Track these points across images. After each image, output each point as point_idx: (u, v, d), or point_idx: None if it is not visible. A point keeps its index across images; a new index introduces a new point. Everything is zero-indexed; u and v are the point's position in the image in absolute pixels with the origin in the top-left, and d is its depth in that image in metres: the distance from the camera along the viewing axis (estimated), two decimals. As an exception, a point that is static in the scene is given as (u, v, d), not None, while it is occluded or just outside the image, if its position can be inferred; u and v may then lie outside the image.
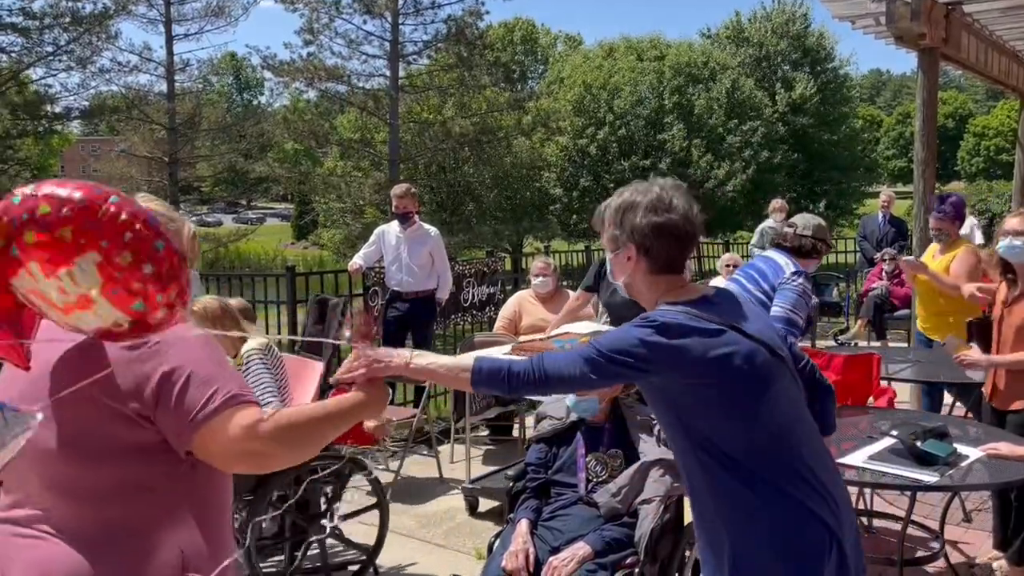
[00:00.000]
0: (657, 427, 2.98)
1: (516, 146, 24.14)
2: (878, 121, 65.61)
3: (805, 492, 1.81)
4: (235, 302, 4.85)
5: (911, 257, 5.48)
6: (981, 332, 4.15)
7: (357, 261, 6.46)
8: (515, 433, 6.16)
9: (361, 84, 22.19)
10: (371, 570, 3.94)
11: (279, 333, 6.32)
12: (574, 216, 27.56)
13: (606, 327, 4.84)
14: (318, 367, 4.05)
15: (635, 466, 2.87)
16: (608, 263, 1.99)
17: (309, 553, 3.84)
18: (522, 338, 4.76)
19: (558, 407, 3.19)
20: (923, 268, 5.17)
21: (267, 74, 24.28)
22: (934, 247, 5.49)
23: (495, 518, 4.54)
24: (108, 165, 26.26)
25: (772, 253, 3.85)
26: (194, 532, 1.61)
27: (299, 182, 24.61)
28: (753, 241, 9.94)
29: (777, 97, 30.23)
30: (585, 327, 4.98)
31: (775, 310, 3.67)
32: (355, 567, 4.00)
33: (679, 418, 1.88)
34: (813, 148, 31.02)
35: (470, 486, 4.83)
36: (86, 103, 19.70)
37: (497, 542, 2.96)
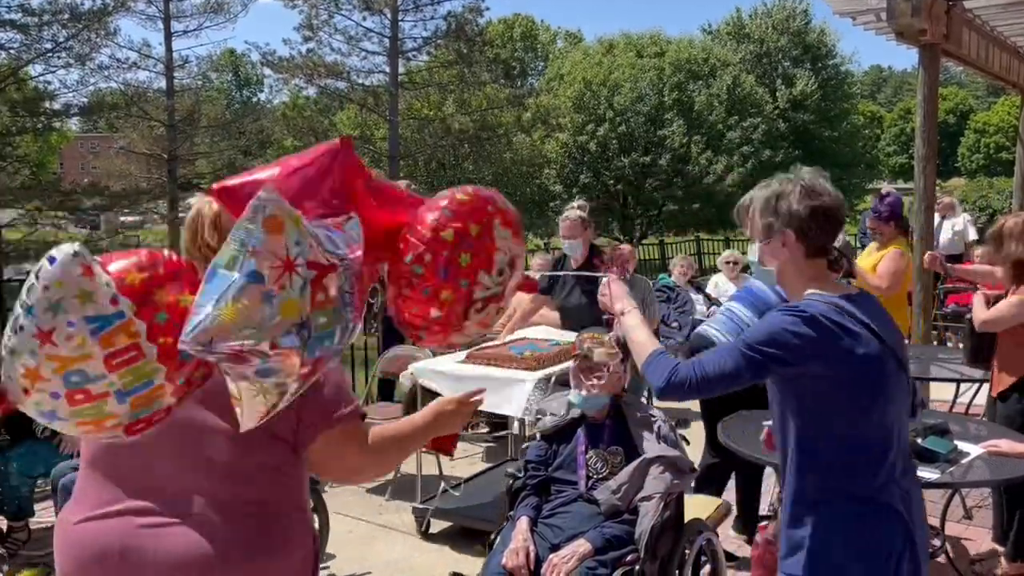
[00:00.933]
0: (657, 424, 2.98)
1: (516, 143, 24.14)
2: (879, 117, 65.53)
3: (893, 493, 1.94)
4: None
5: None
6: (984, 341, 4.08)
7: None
8: (515, 430, 6.15)
9: (360, 81, 22.18)
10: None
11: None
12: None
13: (563, 332, 4.66)
14: None
15: (635, 463, 2.86)
16: (757, 252, 2.06)
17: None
18: (475, 348, 4.53)
19: (558, 403, 3.18)
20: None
21: (266, 71, 24.27)
22: (872, 245, 5.66)
23: (447, 540, 4.32)
24: (107, 162, 26.23)
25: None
26: (309, 511, 1.77)
27: (299, 179, 24.59)
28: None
29: (778, 94, 30.26)
30: (542, 332, 4.85)
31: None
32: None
33: (799, 406, 1.98)
34: (814, 145, 31.03)
35: (420, 506, 4.43)
36: (85, 100, 19.65)
37: (497, 540, 2.94)
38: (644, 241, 25.89)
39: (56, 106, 18.51)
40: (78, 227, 24.84)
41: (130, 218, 24.40)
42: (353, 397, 1.72)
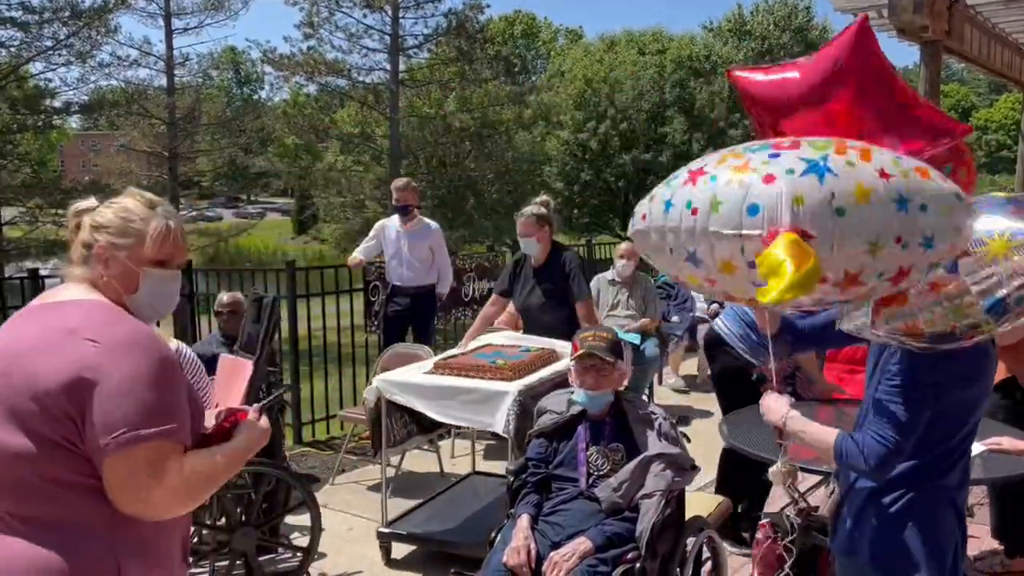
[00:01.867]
0: (658, 421, 2.97)
1: (517, 140, 24.09)
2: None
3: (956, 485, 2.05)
4: (226, 297, 4.84)
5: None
6: None
7: (357, 255, 6.44)
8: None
9: (361, 78, 22.13)
10: (305, 574, 3.86)
11: (280, 326, 6.28)
12: (575, 210, 27.55)
13: (529, 337, 4.55)
14: (248, 366, 3.88)
15: (636, 460, 2.85)
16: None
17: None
18: (440, 356, 4.39)
19: (558, 401, 3.17)
20: None
21: (267, 68, 24.19)
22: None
23: (414, 566, 4.10)
24: (108, 160, 26.24)
25: None
26: (132, 536, 1.59)
27: (299, 177, 24.59)
28: None
29: (779, 91, 30.22)
30: (505, 337, 4.71)
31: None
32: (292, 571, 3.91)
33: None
34: (815, 142, 31.01)
35: (385, 531, 4.10)
36: (86, 97, 19.62)
37: (498, 537, 2.94)
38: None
39: (57, 104, 18.51)
40: (79, 225, 24.81)
41: (131, 216, 24.42)
42: (165, 418, 1.54)
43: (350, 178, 22.37)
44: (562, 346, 4.20)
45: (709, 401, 6.32)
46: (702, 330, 7.50)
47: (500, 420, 3.57)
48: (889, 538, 2.01)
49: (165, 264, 1.75)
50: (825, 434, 2.07)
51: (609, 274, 6.64)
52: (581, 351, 3.04)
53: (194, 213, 26.04)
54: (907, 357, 1.94)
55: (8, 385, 1.54)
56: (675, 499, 2.89)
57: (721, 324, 4.13)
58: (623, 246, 6.60)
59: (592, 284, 6.77)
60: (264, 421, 1.81)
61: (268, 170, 24.09)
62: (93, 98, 19.73)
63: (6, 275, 12.56)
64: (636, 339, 6.16)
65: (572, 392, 3.13)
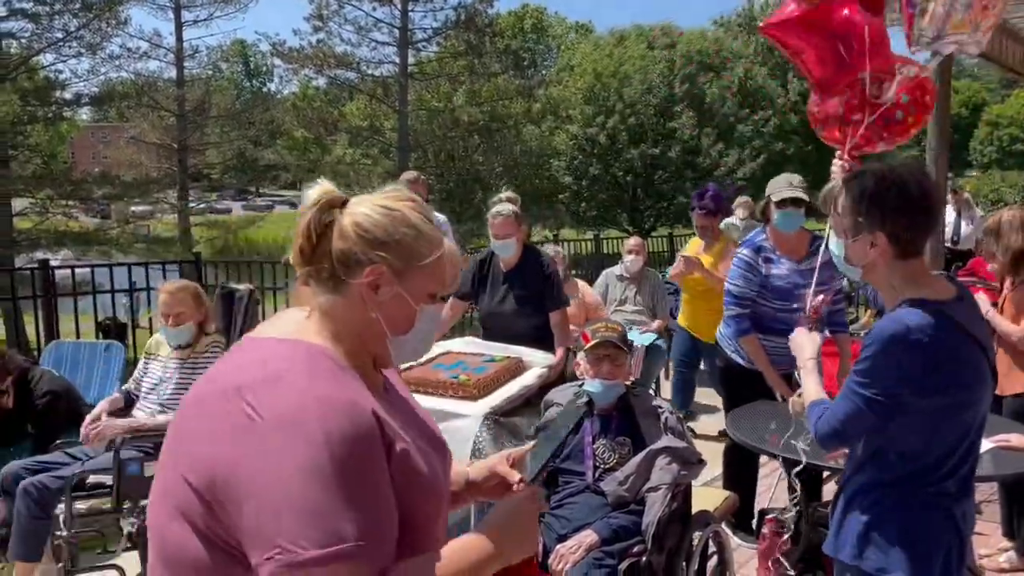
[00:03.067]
0: (664, 415, 2.97)
1: (526, 134, 24.07)
2: (890, 110, 64.92)
3: (954, 488, 1.94)
4: (243, 287, 4.86)
5: (690, 257, 5.47)
6: None
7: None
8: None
9: (370, 71, 22.14)
10: None
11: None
12: (583, 204, 27.49)
13: (492, 344, 4.15)
14: None
15: (642, 454, 2.86)
16: (841, 247, 1.98)
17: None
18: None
19: (564, 394, 3.18)
20: (699, 266, 5.27)
21: (276, 61, 24.24)
22: (697, 242, 5.63)
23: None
24: (118, 152, 26.31)
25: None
26: None
27: (308, 170, 24.61)
28: None
29: (789, 86, 30.07)
30: (466, 343, 4.30)
31: None
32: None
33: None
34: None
35: None
36: (96, 89, 19.68)
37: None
38: (653, 233, 25.79)
39: (67, 95, 18.56)
40: (88, 216, 24.96)
41: (140, 208, 24.48)
42: (346, 532, 1.06)
43: (358, 171, 22.40)
44: (529, 354, 4.03)
45: (716, 396, 6.32)
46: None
47: (465, 451, 3.20)
48: (869, 540, 1.94)
49: (436, 296, 1.36)
50: (811, 394, 2.08)
51: (617, 269, 6.64)
52: (595, 340, 3.04)
53: (203, 205, 26.11)
54: (876, 345, 1.86)
55: (174, 464, 1.16)
56: (681, 493, 2.89)
57: (719, 330, 4.16)
58: (632, 241, 6.60)
59: (600, 279, 6.78)
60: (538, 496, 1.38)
61: (277, 163, 24.10)
62: (103, 90, 19.80)
63: (16, 266, 12.64)
64: (649, 340, 6.16)
65: (580, 384, 3.14)
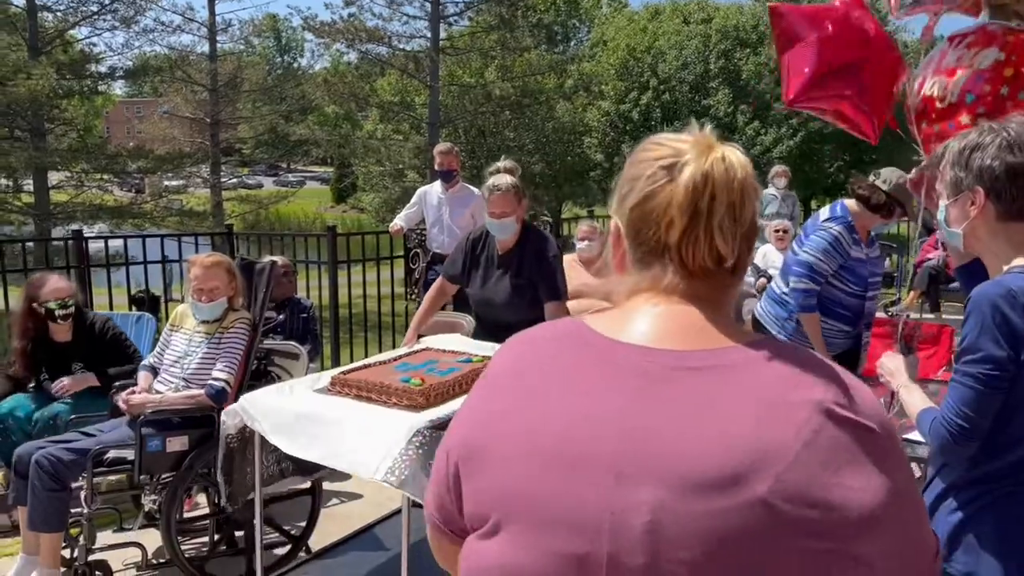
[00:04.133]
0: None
1: (558, 110, 23.82)
2: (930, 88, 63.72)
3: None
4: (280, 259, 4.76)
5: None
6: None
7: (398, 222, 6.36)
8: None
9: (401, 46, 21.96)
10: (301, 552, 3.81)
11: (319, 293, 6.23)
12: (615, 182, 27.26)
13: (483, 344, 3.59)
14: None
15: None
16: (943, 211, 1.81)
17: (239, 534, 3.75)
18: (349, 366, 3.42)
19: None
20: None
21: (308, 35, 24.17)
22: None
23: None
24: (152, 126, 26.48)
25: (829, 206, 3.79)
26: None
27: (339, 145, 24.57)
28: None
29: (827, 62, 29.47)
30: (450, 341, 3.78)
31: (799, 254, 3.63)
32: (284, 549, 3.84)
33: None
34: (863, 115, 30.25)
35: None
36: (130, 63, 19.81)
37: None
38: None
39: (102, 69, 18.64)
40: (123, 190, 25.17)
41: (173, 182, 24.63)
42: None
43: (389, 147, 22.31)
44: None
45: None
46: (749, 304, 7.32)
47: (382, 464, 2.47)
48: (959, 541, 1.73)
49: None
50: (917, 405, 1.87)
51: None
52: None
53: (234, 180, 26.21)
54: (976, 313, 1.65)
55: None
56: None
57: (760, 307, 4.01)
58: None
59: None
60: None
61: (308, 138, 24.08)
62: (137, 63, 19.89)
63: (53, 236, 12.73)
64: None
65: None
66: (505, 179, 3.66)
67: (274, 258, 4.22)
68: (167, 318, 6.26)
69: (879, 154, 30.84)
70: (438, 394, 2.84)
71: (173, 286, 6.93)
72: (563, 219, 19.05)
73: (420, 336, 3.94)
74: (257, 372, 3.83)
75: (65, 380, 4.03)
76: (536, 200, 23.32)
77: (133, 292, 7.52)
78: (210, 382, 3.55)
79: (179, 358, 3.65)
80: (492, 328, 3.82)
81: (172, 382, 3.62)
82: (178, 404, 3.51)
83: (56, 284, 4.08)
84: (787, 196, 9.50)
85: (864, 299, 3.67)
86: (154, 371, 3.76)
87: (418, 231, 6.58)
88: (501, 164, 3.88)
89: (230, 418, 3.07)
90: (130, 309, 7.31)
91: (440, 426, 2.57)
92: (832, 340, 3.71)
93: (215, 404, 3.53)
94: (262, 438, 2.96)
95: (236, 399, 3.63)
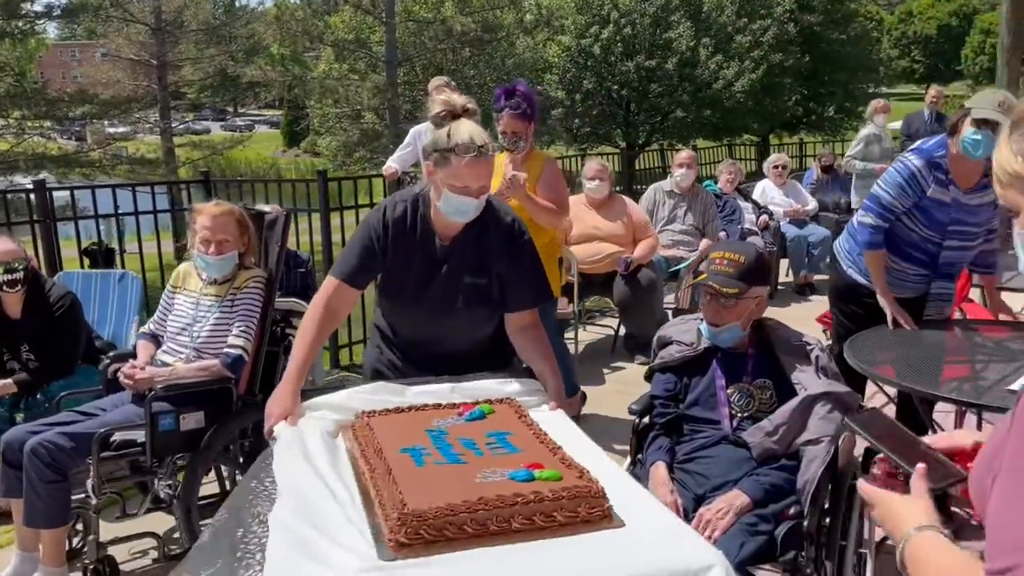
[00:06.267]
0: (815, 353, 2.55)
1: (518, 46, 23.16)
2: (879, 20, 63.78)
3: None
4: (271, 208, 4.33)
5: (517, 173, 3.70)
6: None
7: (392, 165, 5.96)
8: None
9: (355, -20, 21.05)
10: None
11: (311, 240, 5.78)
12: (576, 120, 26.73)
13: (437, 387, 2.34)
14: None
15: (796, 400, 2.43)
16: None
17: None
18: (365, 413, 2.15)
19: (686, 330, 2.73)
20: (521, 189, 3.66)
21: (254, -30, 22.93)
22: (501, 157, 3.74)
23: None
24: (93, 69, 25.11)
25: None
26: None
27: (292, 87, 23.64)
28: (852, 152, 8.07)
29: (788, -6, 29.06)
30: (383, 392, 2.33)
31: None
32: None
33: None
34: (821, 48, 30.02)
35: None
36: (66, 1, 18.50)
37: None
38: (648, 148, 25.16)
39: (37, 8, 17.47)
40: (64, 138, 23.93)
41: (118, 129, 23.48)
42: None
43: (347, 87, 21.49)
44: (515, 391, 2.36)
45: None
46: (750, 242, 7.07)
47: None
48: None
49: None
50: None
51: (666, 184, 6.15)
52: (697, 279, 2.58)
53: (181, 126, 25.10)
54: None
55: None
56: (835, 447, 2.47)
57: (838, 242, 3.74)
58: (683, 154, 6.09)
59: (647, 194, 6.31)
60: None
61: (260, 80, 23.04)
62: (74, 1, 18.61)
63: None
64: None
65: (700, 318, 2.70)
66: (479, 132, 2.33)
67: (265, 207, 3.77)
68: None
69: (836, 87, 30.89)
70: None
71: (127, 238, 6.36)
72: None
73: (307, 397, 2.33)
74: (274, 337, 3.43)
75: None
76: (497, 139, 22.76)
77: (85, 245, 6.94)
78: (226, 350, 3.15)
79: (187, 325, 3.22)
80: (426, 359, 2.54)
81: (181, 352, 3.19)
82: (191, 376, 3.11)
83: None
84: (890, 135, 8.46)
85: (940, 246, 3.36)
86: (155, 339, 3.33)
87: (413, 174, 6.18)
88: (460, 100, 2.43)
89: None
90: (81, 264, 6.76)
91: None
92: (903, 283, 3.44)
93: (232, 375, 3.14)
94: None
95: (253, 366, 3.29)
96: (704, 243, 6.06)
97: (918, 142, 3.45)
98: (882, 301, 3.40)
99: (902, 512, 1.19)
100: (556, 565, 1.56)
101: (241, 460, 3.34)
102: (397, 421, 2.14)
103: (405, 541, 1.58)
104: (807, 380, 2.48)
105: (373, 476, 1.82)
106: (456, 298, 2.47)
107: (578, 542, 1.63)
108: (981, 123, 3.07)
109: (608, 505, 1.72)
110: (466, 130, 2.32)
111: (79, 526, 3.25)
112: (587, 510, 1.69)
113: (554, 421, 2.22)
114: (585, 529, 1.67)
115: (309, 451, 1.98)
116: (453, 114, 2.38)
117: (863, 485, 1.29)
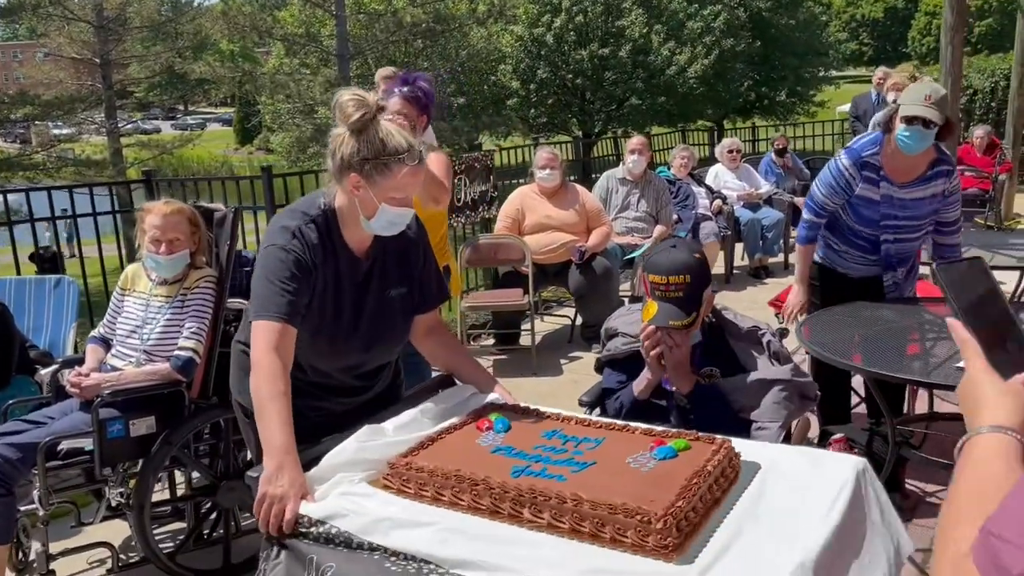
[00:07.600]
0: (766, 338, 2.56)
1: (471, 37, 23.06)
2: (826, 3, 64.63)
3: None
4: (220, 206, 4.25)
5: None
6: None
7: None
8: (523, 342, 5.76)
9: (303, -28, 20.77)
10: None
11: (257, 240, 5.70)
12: (532, 110, 26.72)
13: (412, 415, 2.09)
14: None
15: (757, 375, 2.42)
16: None
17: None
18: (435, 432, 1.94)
19: (632, 321, 2.72)
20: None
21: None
22: None
23: None
24: (34, 69, 24.43)
25: None
26: None
27: (243, 83, 23.27)
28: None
29: (737, -21, 29.32)
30: (382, 434, 1.98)
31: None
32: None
33: None
34: (771, 33, 30.36)
35: None
36: (4, 1, 18.02)
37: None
38: (604, 136, 25.24)
39: (-28, 8, 16.94)
40: (6, 141, 23.33)
41: (64, 130, 22.92)
42: None
43: (298, 82, 21.22)
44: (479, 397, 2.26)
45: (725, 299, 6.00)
46: (705, 227, 7.13)
47: None
48: None
49: None
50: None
51: (619, 171, 6.16)
52: (649, 301, 2.50)
53: (129, 126, 24.60)
54: None
55: None
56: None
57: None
58: (635, 140, 6.10)
59: (600, 182, 6.32)
60: None
61: (209, 76, 22.63)
62: (13, 0, 18.12)
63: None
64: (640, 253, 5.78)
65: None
66: (407, 133, 2.11)
67: (210, 205, 3.69)
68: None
69: (787, 71, 31.25)
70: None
71: (74, 242, 6.22)
72: (487, 151, 18.51)
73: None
74: (227, 336, 3.37)
75: None
76: (455, 132, 22.68)
77: (36, 249, 6.76)
78: (176, 352, 3.09)
79: (136, 327, 3.15)
80: (343, 379, 2.31)
81: (130, 356, 3.13)
82: (140, 381, 3.04)
83: None
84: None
85: (877, 239, 3.45)
86: (105, 343, 3.26)
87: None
88: (373, 97, 2.05)
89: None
90: (42, 269, 6.59)
91: None
92: (849, 264, 3.58)
93: (183, 377, 3.08)
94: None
95: (206, 369, 3.22)
96: (659, 229, 6.10)
97: (855, 138, 3.58)
98: (794, 288, 3.65)
99: (989, 401, 1.02)
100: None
101: (201, 463, 3.29)
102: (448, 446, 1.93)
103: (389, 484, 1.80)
104: (759, 364, 2.49)
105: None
106: (393, 314, 2.28)
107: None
108: (911, 120, 3.13)
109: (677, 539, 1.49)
110: (397, 133, 2.06)
111: (29, 539, 3.17)
112: (655, 540, 1.47)
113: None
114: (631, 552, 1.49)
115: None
116: (372, 116, 2.04)
117: (953, 323, 1.08)
